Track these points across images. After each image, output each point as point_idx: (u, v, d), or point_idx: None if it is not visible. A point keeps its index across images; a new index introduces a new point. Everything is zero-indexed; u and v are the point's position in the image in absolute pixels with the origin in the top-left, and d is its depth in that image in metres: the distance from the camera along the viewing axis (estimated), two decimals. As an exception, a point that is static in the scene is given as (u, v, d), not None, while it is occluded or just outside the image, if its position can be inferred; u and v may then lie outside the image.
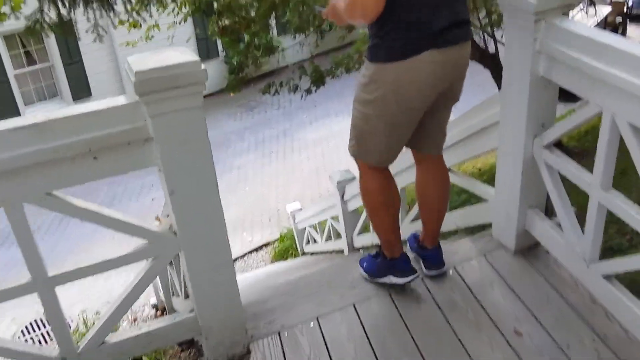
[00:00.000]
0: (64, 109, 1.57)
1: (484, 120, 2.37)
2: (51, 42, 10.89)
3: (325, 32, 7.68)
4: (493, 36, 5.54)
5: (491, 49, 5.79)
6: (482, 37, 5.62)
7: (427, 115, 2.04)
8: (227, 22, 6.49)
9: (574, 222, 1.99)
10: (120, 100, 1.54)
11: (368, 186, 2.19)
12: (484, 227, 2.64)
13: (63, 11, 3.63)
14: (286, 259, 7.52)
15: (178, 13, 5.64)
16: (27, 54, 11.44)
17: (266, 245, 8.39)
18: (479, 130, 2.43)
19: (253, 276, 6.59)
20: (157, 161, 1.59)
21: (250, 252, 8.34)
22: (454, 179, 2.81)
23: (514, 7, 1.95)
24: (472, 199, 3.76)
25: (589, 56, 1.70)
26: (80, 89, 12.00)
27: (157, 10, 4.91)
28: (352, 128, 2.09)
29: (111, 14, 3.91)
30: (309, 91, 6.53)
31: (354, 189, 3.86)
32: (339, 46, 8.86)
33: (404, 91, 1.90)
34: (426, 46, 1.83)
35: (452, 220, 2.85)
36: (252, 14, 6.75)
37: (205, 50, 13.19)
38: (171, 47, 1.62)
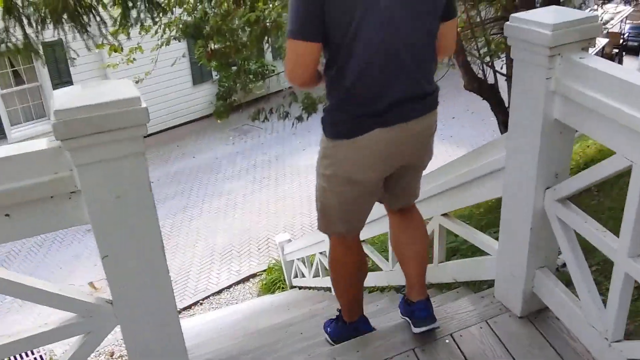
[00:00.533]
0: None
1: (487, 165, 2.07)
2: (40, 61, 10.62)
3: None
4: (492, 66, 5.31)
5: (490, 79, 5.57)
6: (481, 67, 5.40)
7: (391, 180, 1.97)
8: (216, 45, 6.25)
9: (593, 291, 1.68)
10: (40, 144, 1.24)
11: (335, 256, 2.11)
12: (486, 281, 2.35)
13: (29, 31, 3.37)
14: (274, 292, 7.18)
15: (162, 36, 5.39)
16: (15, 73, 11.17)
17: (254, 276, 8.05)
18: (480, 177, 2.13)
19: (234, 314, 6.22)
20: (87, 218, 1.29)
21: (237, 283, 7.99)
22: (450, 225, 2.52)
23: (524, 40, 1.66)
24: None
25: (614, 98, 1.42)
26: (69, 110, 11.71)
27: (140, 33, 4.65)
28: (315, 201, 2.03)
29: (85, 36, 3.65)
30: (299, 119, 6.26)
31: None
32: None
33: (354, 169, 1.84)
34: (371, 125, 1.74)
35: (450, 272, 2.55)
36: (244, 38, 6.53)
37: (199, 72, 13.00)
38: (117, 79, 1.33)
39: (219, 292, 7.80)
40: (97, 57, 10.49)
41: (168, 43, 5.37)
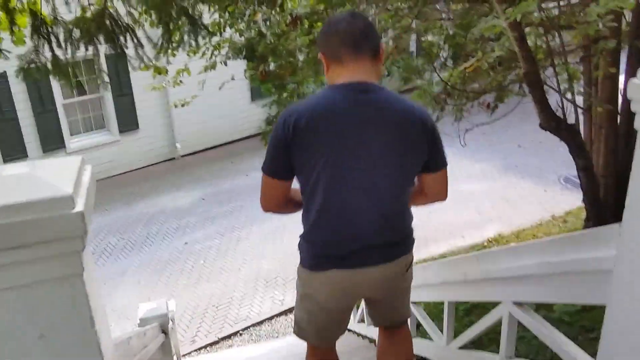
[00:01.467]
0: None
1: (584, 262, 1.56)
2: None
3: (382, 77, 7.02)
4: (573, 102, 4.70)
5: (568, 115, 4.96)
6: (560, 104, 4.80)
7: (370, 304, 2.07)
8: (270, 67, 5.92)
9: None
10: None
11: None
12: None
13: (58, 52, 3.12)
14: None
15: (211, 57, 5.10)
16: (78, 83, 11.30)
17: (298, 308, 7.63)
18: (573, 273, 1.62)
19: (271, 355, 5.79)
20: None
21: (279, 315, 7.58)
22: (525, 320, 2.00)
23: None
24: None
25: None
26: (128, 122, 11.78)
27: (188, 55, 4.36)
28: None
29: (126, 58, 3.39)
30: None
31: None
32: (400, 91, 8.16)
33: (318, 296, 1.93)
34: (328, 266, 1.83)
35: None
36: (301, 58, 6.20)
37: (258, 88, 12.84)
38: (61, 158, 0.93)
39: (260, 322, 7.42)
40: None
41: (214, 67, 5.07)
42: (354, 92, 1.77)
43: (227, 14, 4.82)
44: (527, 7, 2.74)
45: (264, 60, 5.96)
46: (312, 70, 6.08)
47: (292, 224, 8.68)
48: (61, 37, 3.02)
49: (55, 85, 10.58)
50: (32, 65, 3.03)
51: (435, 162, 1.82)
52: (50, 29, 2.93)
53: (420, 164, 1.81)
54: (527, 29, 4.46)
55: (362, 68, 1.79)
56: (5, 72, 9.76)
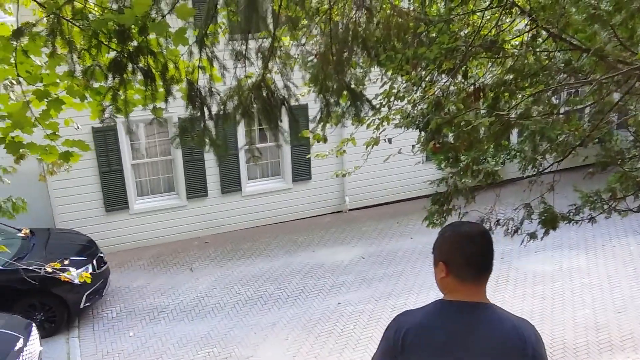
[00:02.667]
0: None
1: None
2: (284, 124, 11.16)
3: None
4: None
5: None
6: None
7: None
8: (445, 139, 5.48)
9: None
10: None
11: None
12: None
13: (209, 123, 3.05)
14: None
15: (377, 129, 4.82)
16: (261, 130, 11.90)
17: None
18: None
19: None
20: None
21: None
22: None
23: None
24: None
25: None
26: (302, 172, 12.07)
27: (353, 125, 4.11)
28: None
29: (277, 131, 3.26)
30: (533, 236, 5.10)
31: None
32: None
33: None
34: None
35: None
36: (481, 131, 5.69)
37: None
38: None
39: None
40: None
41: (377, 143, 4.76)
42: (467, 314, 1.94)
43: (400, 83, 4.53)
44: None
45: (438, 132, 5.54)
46: (493, 145, 5.51)
47: None
48: (214, 109, 2.98)
49: (241, 131, 11.24)
50: (187, 134, 3.02)
51: None
52: (203, 100, 2.89)
53: None
54: None
55: (480, 288, 2.02)
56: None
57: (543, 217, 5.19)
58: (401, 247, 10.89)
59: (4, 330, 6.52)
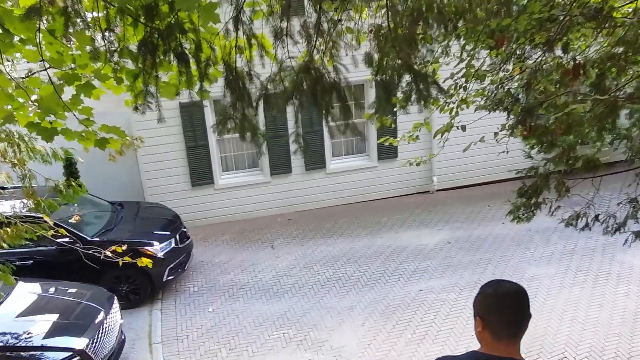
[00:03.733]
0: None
1: None
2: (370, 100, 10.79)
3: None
4: None
5: None
6: None
7: None
8: (540, 121, 4.87)
9: None
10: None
11: None
12: None
13: (249, 111, 2.75)
14: None
15: (454, 112, 4.30)
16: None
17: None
18: None
19: None
20: None
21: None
22: None
23: None
24: None
25: None
26: (388, 150, 11.63)
27: (425, 107, 3.65)
28: None
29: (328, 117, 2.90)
30: (638, 235, 4.42)
31: None
32: None
33: None
34: None
35: None
36: (582, 114, 5.03)
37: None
38: None
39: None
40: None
41: (448, 131, 4.24)
42: None
43: (483, 60, 3.99)
44: None
45: (529, 114, 4.95)
46: (596, 129, 4.84)
47: (544, 296, 7.07)
48: (254, 95, 2.68)
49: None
50: (229, 121, 2.74)
51: None
52: (243, 85, 2.60)
53: None
54: None
55: (514, 345, 2.10)
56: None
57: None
58: (491, 233, 10.22)
59: (87, 303, 6.75)
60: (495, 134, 4.37)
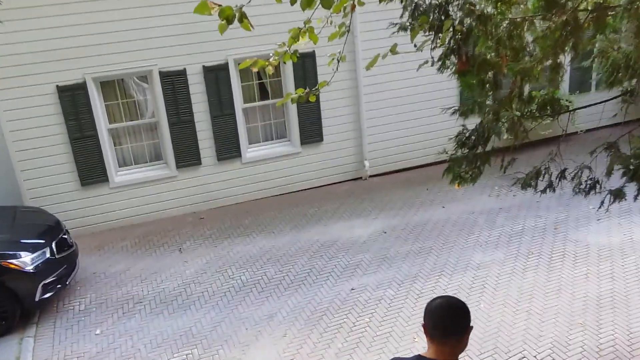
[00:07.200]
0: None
1: None
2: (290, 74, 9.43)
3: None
4: None
5: None
6: None
7: None
8: (477, 50, 3.63)
9: None
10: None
11: None
12: None
13: None
14: None
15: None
16: (261, 85, 10.20)
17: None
18: None
19: None
20: None
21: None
22: None
23: None
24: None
25: None
26: (312, 133, 10.34)
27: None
28: None
29: None
30: (618, 195, 3.25)
31: None
32: None
33: None
34: None
35: None
36: (530, 38, 3.85)
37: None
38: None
39: None
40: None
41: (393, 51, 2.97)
42: None
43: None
44: None
45: (465, 40, 3.72)
46: (552, 58, 3.65)
47: (494, 284, 5.85)
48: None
49: (236, 86, 9.52)
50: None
51: None
52: None
53: None
54: None
55: (447, 349, 2.27)
56: (185, 69, 8.93)
57: (634, 164, 3.32)
58: (431, 218, 9.07)
59: None
60: (420, 66, 3.09)
